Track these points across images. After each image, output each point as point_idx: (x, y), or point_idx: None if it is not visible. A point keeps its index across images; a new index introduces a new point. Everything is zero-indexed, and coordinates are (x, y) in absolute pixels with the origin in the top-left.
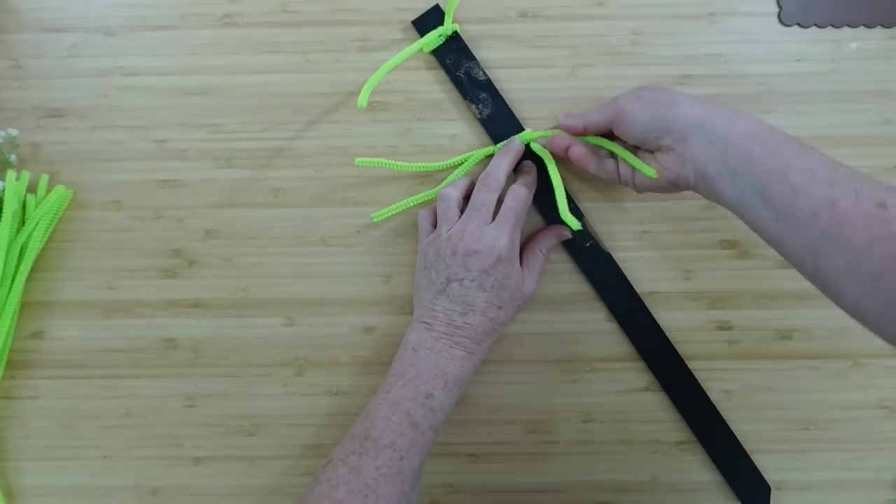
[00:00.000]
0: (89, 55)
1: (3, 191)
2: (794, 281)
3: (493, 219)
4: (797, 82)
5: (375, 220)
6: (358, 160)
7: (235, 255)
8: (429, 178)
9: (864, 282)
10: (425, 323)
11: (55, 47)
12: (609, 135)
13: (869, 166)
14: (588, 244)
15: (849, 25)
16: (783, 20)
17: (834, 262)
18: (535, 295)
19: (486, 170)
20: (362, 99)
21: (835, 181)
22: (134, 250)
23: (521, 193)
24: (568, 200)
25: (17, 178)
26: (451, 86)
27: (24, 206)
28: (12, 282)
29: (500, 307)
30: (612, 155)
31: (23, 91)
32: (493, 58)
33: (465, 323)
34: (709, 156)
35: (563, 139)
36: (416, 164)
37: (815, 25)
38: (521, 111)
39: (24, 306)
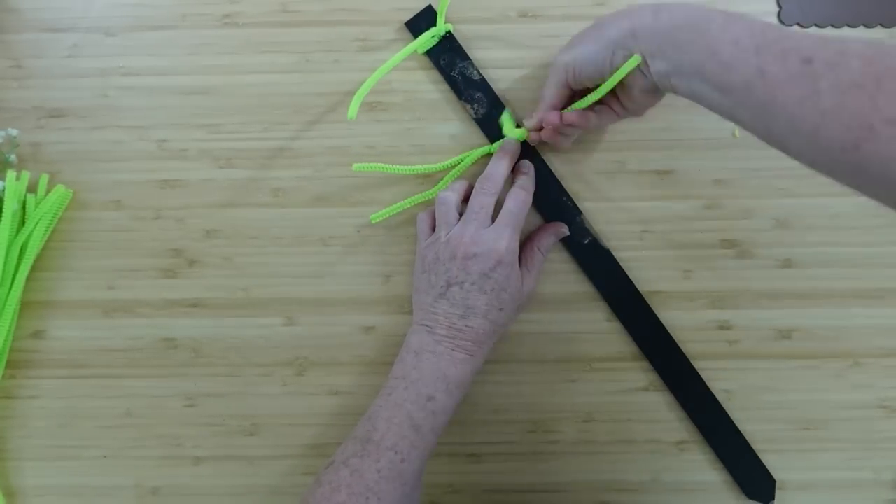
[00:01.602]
0: (89, 55)
1: (3, 191)
2: (794, 281)
3: (493, 221)
4: None
5: (374, 221)
6: (356, 166)
7: (235, 255)
8: (429, 178)
9: (803, 141)
10: (426, 326)
11: (55, 47)
12: (578, 95)
13: None
14: (587, 241)
15: (849, 25)
16: (783, 20)
17: (777, 127)
18: (535, 295)
19: (484, 172)
20: (352, 111)
21: (762, 46)
22: (134, 250)
23: (520, 196)
24: (567, 198)
25: (17, 178)
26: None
27: (24, 206)
28: (12, 282)
29: (500, 309)
30: (598, 103)
31: (23, 91)
32: (494, 58)
33: (466, 326)
34: (652, 58)
35: (553, 116)
36: (413, 166)
37: (815, 25)
38: (520, 111)
39: (25, 306)
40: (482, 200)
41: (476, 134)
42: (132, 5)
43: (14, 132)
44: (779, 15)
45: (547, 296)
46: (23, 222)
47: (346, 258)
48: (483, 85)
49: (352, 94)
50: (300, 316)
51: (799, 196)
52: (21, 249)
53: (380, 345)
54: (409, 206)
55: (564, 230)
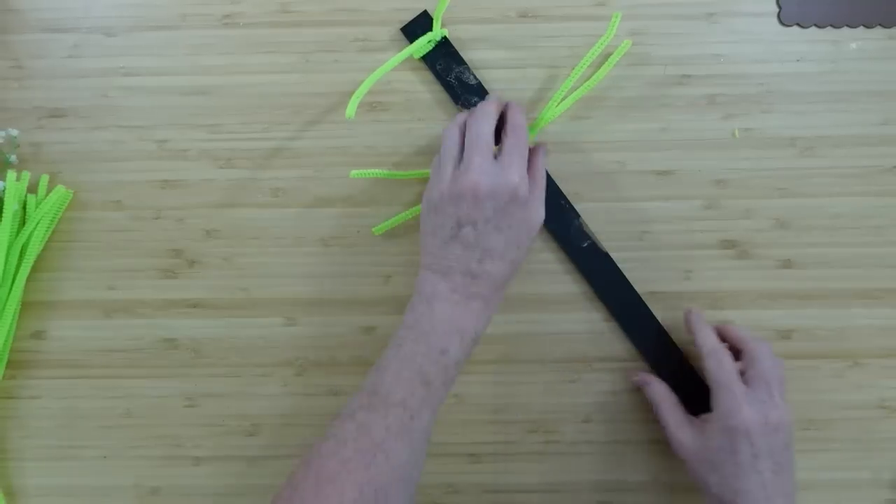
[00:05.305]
0: (90, 55)
1: (4, 191)
2: (794, 281)
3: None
4: (797, 82)
5: (376, 232)
6: (353, 173)
7: (235, 255)
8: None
9: None
10: (438, 272)
11: (56, 47)
12: None
13: (869, 166)
14: (586, 244)
15: (848, 25)
16: (783, 20)
17: None
18: (535, 295)
19: (475, 108)
20: (350, 109)
21: None
22: (134, 250)
23: (516, 130)
24: (566, 200)
25: (18, 179)
26: None
27: (24, 207)
28: (13, 282)
29: (518, 246)
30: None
31: (24, 91)
32: (493, 58)
33: (483, 271)
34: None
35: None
36: (411, 171)
37: (815, 25)
38: None
39: (25, 306)
40: (479, 128)
41: None
42: (132, 5)
43: (14, 132)
44: (779, 15)
45: (546, 296)
46: (23, 223)
47: (346, 258)
48: (479, 89)
49: (351, 94)
50: (300, 316)
51: (799, 196)
52: (21, 250)
53: (380, 345)
54: (409, 217)
55: (546, 146)
